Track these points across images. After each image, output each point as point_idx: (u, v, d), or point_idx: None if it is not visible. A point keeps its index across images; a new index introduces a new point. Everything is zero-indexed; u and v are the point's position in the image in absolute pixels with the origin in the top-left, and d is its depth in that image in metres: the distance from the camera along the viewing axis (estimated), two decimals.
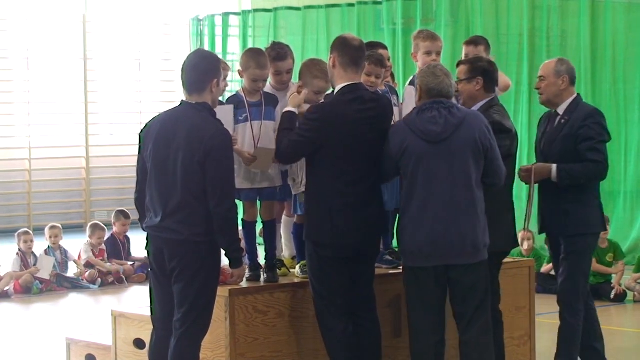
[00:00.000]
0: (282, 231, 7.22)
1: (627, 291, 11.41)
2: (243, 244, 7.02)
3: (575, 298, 7.17)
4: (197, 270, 5.99)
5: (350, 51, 6.44)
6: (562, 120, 7.12)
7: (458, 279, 6.35)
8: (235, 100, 6.76)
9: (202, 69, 6.11)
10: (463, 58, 7.59)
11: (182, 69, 6.15)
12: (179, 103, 6.21)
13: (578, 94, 7.27)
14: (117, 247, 13.62)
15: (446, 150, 6.28)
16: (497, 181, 6.47)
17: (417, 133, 6.29)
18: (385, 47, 7.39)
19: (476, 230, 6.33)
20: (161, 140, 6.05)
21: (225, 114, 6.47)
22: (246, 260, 7.06)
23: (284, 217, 7.19)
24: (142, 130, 6.24)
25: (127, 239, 13.84)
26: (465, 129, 6.31)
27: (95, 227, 13.52)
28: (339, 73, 6.48)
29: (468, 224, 6.30)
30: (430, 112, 6.32)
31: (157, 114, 6.33)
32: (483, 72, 6.82)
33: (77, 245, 13.77)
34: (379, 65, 6.96)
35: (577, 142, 7.04)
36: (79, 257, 13.36)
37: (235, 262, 6.22)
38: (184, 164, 5.95)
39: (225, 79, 6.63)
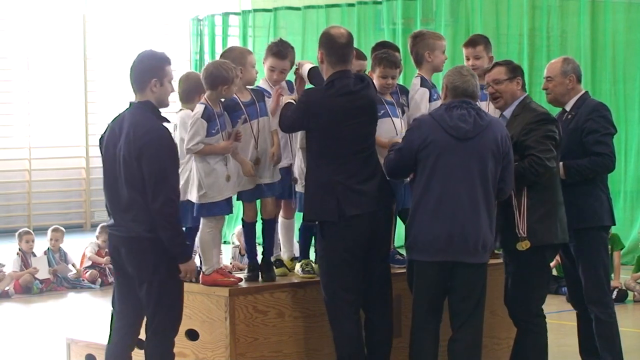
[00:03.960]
0: (279, 233, 7.23)
1: (627, 291, 11.42)
2: (241, 243, 7.02)
3: (602, 293, 7.17)
4: (156, 268, 6.03)
5: (337, 50, 6.53)
6: (569, 116, 7.17)
7: (462, 277, 6.41)
8: (231, 103, 6.76)
9: (141, 69, 6.23)
10: (465, 60, 7.67)
11: (130, 67, 6.28)
12: (129, 105, 6.28)
13: (586, 91, 7.32)
14: None
15: (470, 148, 6.37)
16: (506, 188, 6.53)
17: (446, 128, 6.37)
18: (398, 50, 7.43)
19: (488, 230, 6.42)
20: (109, 142, 6.18)
21: None
22: (246, 259, 7.09)
23: (281, 218, 7.20)
24: (100, 138, 6.35)
25: None
26: (490, 132, 6.42)
27: (104, 228, 13.52)
28: (326, 68, 6.59)
29: (483, 223, 6.38)
30: (459, 110, 6.41)
31: (112, 119, 6.41)
32: (521, 72, 6.99)
33: (76, 245, 13.77)
34: (393, 67, 7.06)
35: (583, 135, 7.08)
36: (83, 256, 13.36)
37: (179, 258, 6.09)
38: (124, 162, 6.04)
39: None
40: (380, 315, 6.63)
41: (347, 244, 6.46)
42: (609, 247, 11.34)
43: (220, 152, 6.57)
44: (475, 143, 6.37)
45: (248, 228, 7.00)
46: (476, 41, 7.79)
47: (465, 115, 6.39)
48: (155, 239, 6.01)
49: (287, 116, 6.59)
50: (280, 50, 6.92)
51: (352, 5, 16.31)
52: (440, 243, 6.33)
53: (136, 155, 5.97)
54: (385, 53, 7.09)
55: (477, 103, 7.35)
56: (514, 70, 6.92)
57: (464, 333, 6.45)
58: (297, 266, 7.02)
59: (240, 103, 6.76)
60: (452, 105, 6.45)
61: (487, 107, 7.36)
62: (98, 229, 13.65)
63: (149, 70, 6.20)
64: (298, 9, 16.95)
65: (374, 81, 7.01)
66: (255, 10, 17.64)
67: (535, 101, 7.05)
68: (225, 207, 6.66)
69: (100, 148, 6.30)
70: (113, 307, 6.34)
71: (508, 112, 6.88)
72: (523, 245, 6.61)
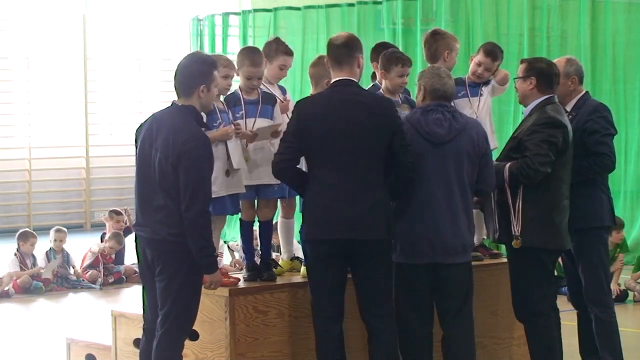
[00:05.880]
0: (279, 233, 7.21)
1: (627, 291, 11.43)
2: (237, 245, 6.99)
3: (602, 293, 7.18)
4: (176, 270, 6.00)
5: (331, 51, 6.43)
6: (570, 116, 7.16)
7: (446, 278, 6.45)
8: (233, 98, 6.77)
9: (191, 73, 6.10)
10: (475, 65, 7.49)
11: (176, 68, 6.18)
12: (171, 104, 6.23)
13: (586, 91, 7.32)
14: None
15: (446, 152, 6.39)
16: (485, 188, 6.59)
17: (422, 133, 6.38)
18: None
19: (467, 232, 6.49)
20: (146, 140, 6.10)
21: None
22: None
23: (281, 219, 7.19)
24: (137, 130, 6.28)
25: (127, 231, 13.75)
26: (466, 134, 6.43)
27: (114, 235, 13.50)
28: (331, 73, 6.47)
29: (462, 225, 6.43)
30: (434, 114, 6.42)
31: (152, 114, 6.35)
32: (538, 72, 6.84)
33: (75, 246, 13.77)
34: (409, 64, 7.04)
35: (584, 136, 7.08)
36: (85, 256, 13.36)
37: (206, 268, 6.04)
38: (159, 165, 5.98)
39: (231, 78, 6.64)
40: (372, 323, 6.39)
41: (320, 265, 6.31)
42: (617, 249, 11.44)
43: (220, 137, 6.50)
44: (452, 147, 6.38)
45: (245, 227, 6.98)
46: (497, 56, 7.50)
47: (441, 119, 6.40)
48: (178, 243, 5.96)
49: (280, 146, 6.35)
50: (289, 48, 7.02)
51: (352, 5, 16.31)
52: (420, 246, 6.38)
53: (173, 162, 5.90)
54: (398, 52, 7.08)
55: (469, 100, 7.40)
56: (530, 70, 6.84)
57: (453, 330, 6.49)
58: (303, 269, 6.98)
59: (242, 99, 6.76)
60: (427, 109, 6.44)
61: (477, 103, 7.36)
62: (110, 235, 13.60)
63: (198, 75, 6.07)
64: (298, 9, 16.95)
65: (389, 82, 6.98)
66: (255, 10, 17.64)
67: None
68: (229, 206, 6.63)
69: (136, 140, 6.20)
70: (144, 311, 6.29)
71: (527, 111, 6.88)
72: (517, 244, 6.66)
